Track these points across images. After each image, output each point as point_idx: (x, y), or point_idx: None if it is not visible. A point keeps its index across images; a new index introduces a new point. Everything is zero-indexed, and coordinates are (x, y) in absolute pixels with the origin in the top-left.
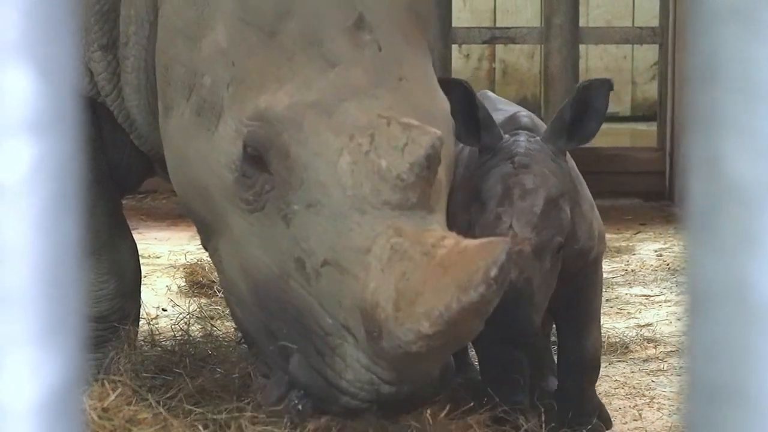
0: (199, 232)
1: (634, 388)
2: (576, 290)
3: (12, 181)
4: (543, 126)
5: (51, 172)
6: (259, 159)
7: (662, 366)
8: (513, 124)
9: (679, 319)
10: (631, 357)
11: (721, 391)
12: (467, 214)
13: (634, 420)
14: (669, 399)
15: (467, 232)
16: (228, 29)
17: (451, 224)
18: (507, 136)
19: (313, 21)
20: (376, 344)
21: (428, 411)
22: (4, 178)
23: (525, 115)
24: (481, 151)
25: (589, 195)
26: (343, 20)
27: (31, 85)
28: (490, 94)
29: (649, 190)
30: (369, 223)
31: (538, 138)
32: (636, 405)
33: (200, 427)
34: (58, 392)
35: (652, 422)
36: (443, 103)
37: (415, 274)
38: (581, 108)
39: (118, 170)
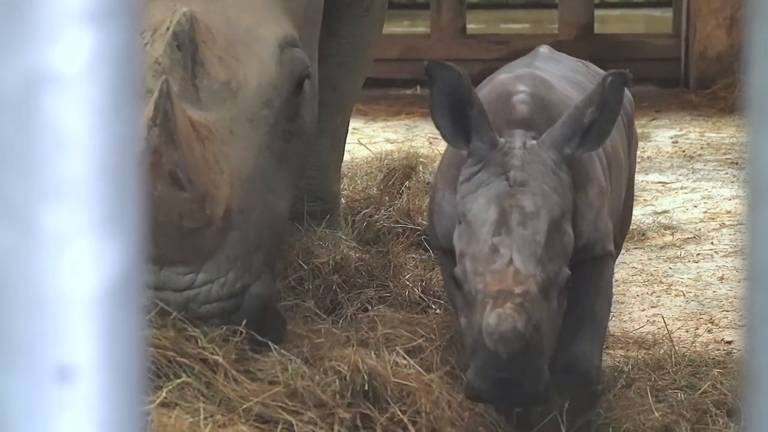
0: None
1: (651, 275)
2: (574, 290)
3: (72, 70)
4: (562, 57)
5: (111, 61)
6: None
7: (679, 253)
8: (533, 55)
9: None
10: (647, 244)
11: None
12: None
13: (652, 307)
14: (686, 285)
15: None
16: None
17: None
18: (501, 139)
19: None
20: None
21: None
22: (65, 67)
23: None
24: (469, 157)
25: (601, 178)
26: None
27: None
28: (544, 51)
29: (665, 77)
30: None
31: (535, 143)
32: (654, 292)
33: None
34: (119, 281)
35: (670, 309)
36: (274, 27)
37: None
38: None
39: None
